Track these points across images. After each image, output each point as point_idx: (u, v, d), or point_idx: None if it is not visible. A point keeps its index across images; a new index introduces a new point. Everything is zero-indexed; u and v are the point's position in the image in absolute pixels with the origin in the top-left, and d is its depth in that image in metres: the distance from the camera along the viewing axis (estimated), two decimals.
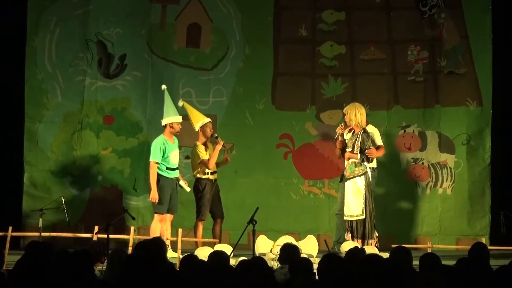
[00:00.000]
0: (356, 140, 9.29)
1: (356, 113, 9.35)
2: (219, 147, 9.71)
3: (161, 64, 11.25)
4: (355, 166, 9.27)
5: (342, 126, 9.51)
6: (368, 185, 9.22)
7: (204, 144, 9.81)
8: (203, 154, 9.68)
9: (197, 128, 9.80)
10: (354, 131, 9.40)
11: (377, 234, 9.30)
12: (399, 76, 11.22)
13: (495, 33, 10.93)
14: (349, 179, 9.28)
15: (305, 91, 11.24)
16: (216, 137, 9.79)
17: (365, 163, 9.25)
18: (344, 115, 9.57)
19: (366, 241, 9.15)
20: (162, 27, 11.32)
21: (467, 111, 11.02)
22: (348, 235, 9.24)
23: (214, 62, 11.29)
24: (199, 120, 9.82)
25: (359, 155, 9.22)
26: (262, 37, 11.28)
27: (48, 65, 11.14)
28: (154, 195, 9.38)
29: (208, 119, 9.88)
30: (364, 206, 9.17)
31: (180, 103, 9.89)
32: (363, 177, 9.23)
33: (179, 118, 9.60)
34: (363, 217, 9.16)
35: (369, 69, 11.22)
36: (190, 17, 11.34)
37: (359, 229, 9.18)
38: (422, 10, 11.18)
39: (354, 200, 9.21)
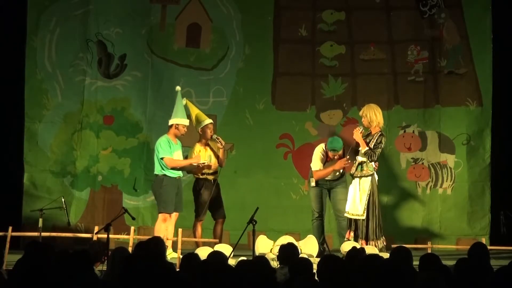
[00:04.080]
0: (371, 140, 9.29)
1: (376, 113, 9.35)
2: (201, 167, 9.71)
3: (161, 64, 11.25)
4: (365, 165, 9.26)
5: (360, 129, 9.45)
6: (373, 187, 9.22)
7: (206, 145, 9.80)
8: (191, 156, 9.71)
9: (197, 128, 9.80)
10: (370, 132, 9.41)
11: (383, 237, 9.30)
12: (399, 76, 11.22)
13: (495, 33, 10.93)
14: (356, 177, 9.28)
15: (305, 91, 11.24)
16: (217, 138, 9.77)
17: (372, 163, 9.25)
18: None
19: (369, 242, 9.15)
20: (162, 27, 11.32)
21: (467, 111, 11.02)
22: (349, 234, 9.23)
23: (214, 62, 11.30)
24: (200, 120, 9.82)
25: (367, 148, 9.22)
26: (262, 37, 11.29)
27: (48, 65, 11.15)
28: (197, 159, 9.51)
29: (210, 120, 9.86)
30: (366, 207, 9.18)
31: (184, 101, 9.90)
32: (369, 178, 9.24)
33: (185, 121, 9.61)
34: (364, 217, 9.17)
35: (369, 69, 11.22)
36: (190, 17, 11.34)
37: (362, 230, 9.17)
38: (422, 10, 11.18)
39: (358, 199, 9.21)
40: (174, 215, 9.59)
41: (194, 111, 9.89)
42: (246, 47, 11.29)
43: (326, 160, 9.51)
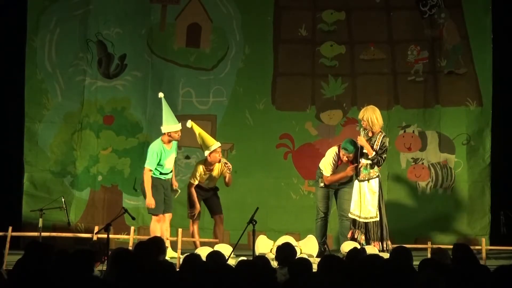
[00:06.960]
0: (375, 141, 9.28)
1: (377, 116, 9.32)
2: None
3: (161, 64, 11.25)
4: (371, 168, 9.26)
5: (362, 134, 9.43)
6: (380, 188, 9.24)
7: (210, 169, 9.75)
8: (195, 178, 9.68)
9: (206, 153, 9.66)
10: (369, 133, 9.39)
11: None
12: (399, 76, 11.22)
13: (495, 33, 10.93)
14: (363, 180, 9.27)
15: (305, 91, 11.24)
16: (225, 163, 9.70)
17: (376, 166, 9.25)
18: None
19: (384, 242, 9.15)
20: (162, 27, 11.32)
21: (467, 111, 11.02)
22: (351, 234, 9.23)
23: (214, 62, 11.29)
24: (209, 145, 9.64)
25: (374, 153, 9.21)
26: (262, 37, 11.28)
27: (48, 65, 11.15)
28: (150, 201, 9.36)
29: (218, 144, 9.70)
30: (378, 208, 9.19)
31: (189, 124, 9.72)
32: (377, 179, 9.25)
33: (177, 127, 9.50)
34: (377, 219, 9.18)
35: (369, 69, 11.22)
36: (190, 17, 11.34)
37: (376, 231, 9.18)
38: (422, 10, 11.18)
39: (370, 202, 9.21)
40: (168, 215, 9.58)
41: (201, 134, 9.71)
42: (246, 47, 11.29)
43: (338, 165, 9.48)
